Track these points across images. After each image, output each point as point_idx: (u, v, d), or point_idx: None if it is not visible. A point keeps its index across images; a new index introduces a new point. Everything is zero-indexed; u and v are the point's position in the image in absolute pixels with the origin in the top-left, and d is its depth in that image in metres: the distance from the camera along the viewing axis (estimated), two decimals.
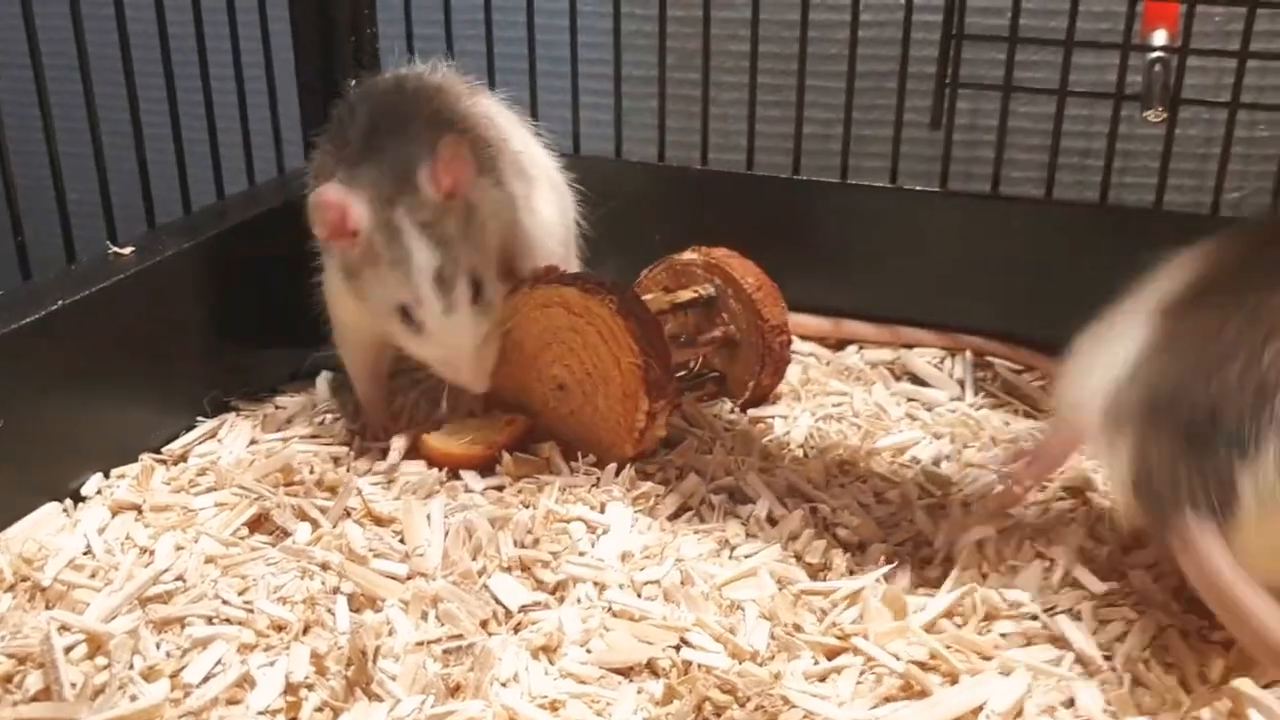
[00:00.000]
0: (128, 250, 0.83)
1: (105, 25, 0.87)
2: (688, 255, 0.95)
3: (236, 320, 0.89)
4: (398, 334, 0.79)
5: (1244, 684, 0.61)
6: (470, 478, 0.80)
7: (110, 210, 0.87)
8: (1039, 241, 0.98)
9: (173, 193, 0.94)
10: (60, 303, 0.75)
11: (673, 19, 1.06)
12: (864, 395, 0.96)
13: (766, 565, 0.72)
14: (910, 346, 1.01)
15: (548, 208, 0.91)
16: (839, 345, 1.03)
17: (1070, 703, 0.62)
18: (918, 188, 1.01)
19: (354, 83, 1.09)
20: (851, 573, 0.72)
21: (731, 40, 1.11)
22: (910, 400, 0.96)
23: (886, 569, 0.71)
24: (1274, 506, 0.59)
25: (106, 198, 0.87)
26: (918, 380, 0.99)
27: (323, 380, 0.95)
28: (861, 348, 1.03)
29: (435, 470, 0.81)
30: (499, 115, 0.90)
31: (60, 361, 0.75)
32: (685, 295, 0.91)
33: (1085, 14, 0.96)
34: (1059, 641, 0.66)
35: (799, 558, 0.74)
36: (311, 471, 0.79)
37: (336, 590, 0.68)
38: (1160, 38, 0.93)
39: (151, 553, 0.71)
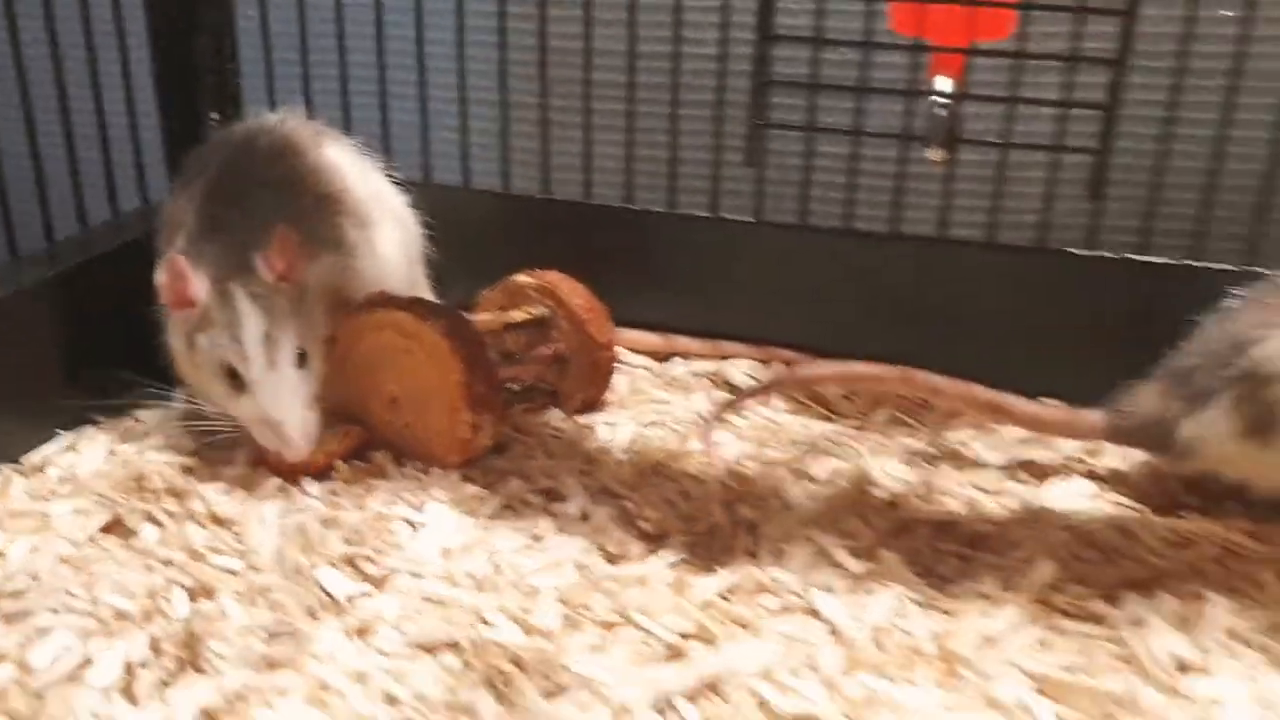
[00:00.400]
0: None
1: None
2: (522, 278, 1.04)
3: (100, 346, 0.96)
4: (225, 399, 0.86)
5: (960, 645, 0.72)
6: (308, 484, 0.88)
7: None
8: (839, 265, 1.09)
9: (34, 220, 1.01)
10: None
11: (523, 47, 1.15)
12: (685, 403, 1.06)
13: (571, 556, 0.82)
14: (728, 358, 1.12)
15: (390, 247, 1.00)
16: (666, 358, 1.13)
17: (813, 665, 0.72)
18: (735, 218, 1.12)
19: (216, 118, 1.17)
20: (645, 559, 0.82)
21: (579, 69, 1.21)
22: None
23: (678, 558, 0.81)
24: None
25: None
26: (734, 389, 1.09)
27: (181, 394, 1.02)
28: (688, 360, 1.13)
29: (276, 478, 0.89)
30: (345, 164, 0.99)
31: None
32: (518, 315, 1.01)
33: (883, 64, 1.07)
34: (814, 613, 0.76)
35: (602, 549, 0.83)
36: (162, 479, 0.87)
37: (175, 584, 0.76)
38: (943, 84, 1.05)
39: (5, 555, 0.78)
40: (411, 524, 0.84)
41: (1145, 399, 0.90)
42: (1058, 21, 1.03)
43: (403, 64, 1.17)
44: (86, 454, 0.92)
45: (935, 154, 1.04)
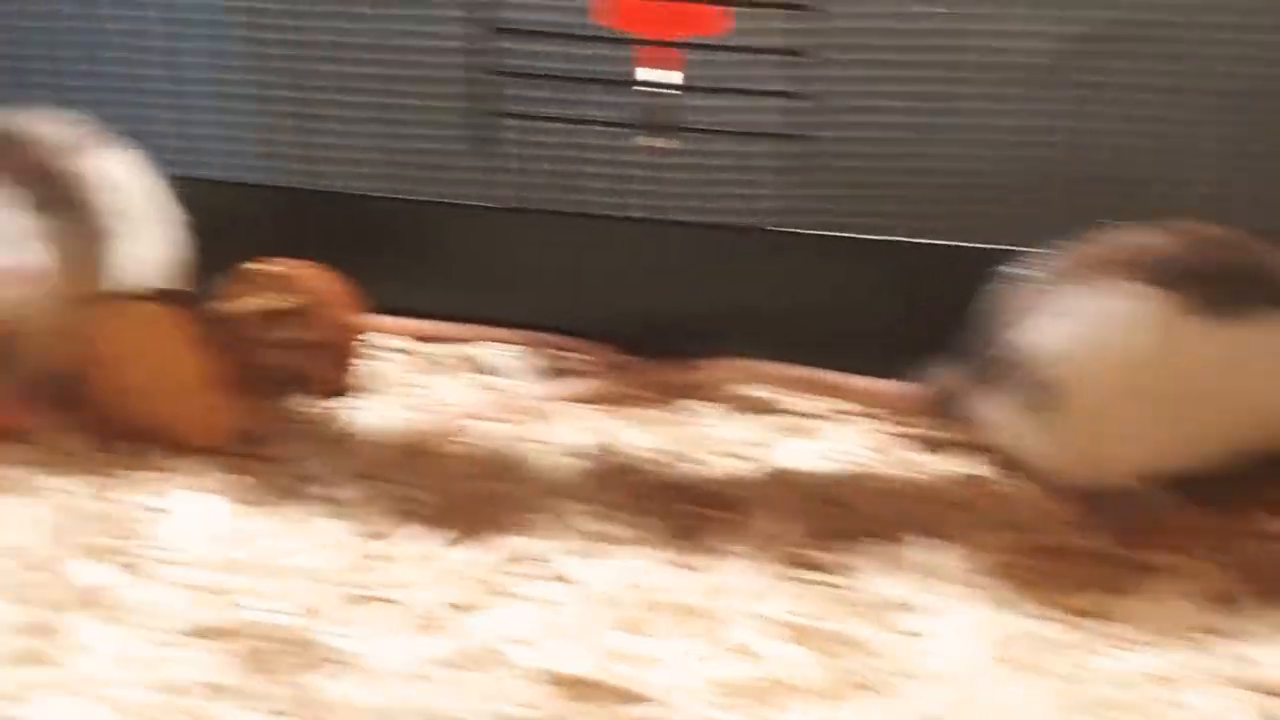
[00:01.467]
0: None
1: None
2: (257, 266, 1.04)
3: None
4: None
5: (697, 598, 0.78)
6: (47, 478, 0.87)
7: None
8: (582, 250, 1.14)
9: None
10: None
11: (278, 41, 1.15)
12: (446, 386, 1.08)
13: (330, 538, 0.83)
14: (486, 342, 1.15)
15: (145, 248, 0.99)
16: (427, 341, 1.15)
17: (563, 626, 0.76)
18: (482, 204, 1.15)
19: None
20: (399, 536, 0.85)
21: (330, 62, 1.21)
22: (488, 389, 1.09)
23: (432, 532, 0.84)
24: None
25: None
26: (495, 373, 1.12)
27: None
28: (450, 345, 1.15)
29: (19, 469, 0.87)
30: (95, 171, 0.97)
31: None
32: (264, 303, 1.01)
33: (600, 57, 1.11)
34: (561, 578, 0.81)
35: (359, 528, 0.85)
36: None
37: None
38: (649, 75, 1.09)
39: None
40: (160, 511, 0.84)
41: (942, 375, 0.95)
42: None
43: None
44: None
45: (647, 140, 1.09)
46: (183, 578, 0.78)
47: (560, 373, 1.13)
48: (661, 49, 1.04)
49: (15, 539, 0.79)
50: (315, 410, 1.02)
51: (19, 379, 0.90)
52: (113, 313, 0.91)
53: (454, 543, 0.84)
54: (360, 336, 1.04)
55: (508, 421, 1.03)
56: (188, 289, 0.99)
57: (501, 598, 0.78)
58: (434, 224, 1.15)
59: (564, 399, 1.07)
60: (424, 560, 0.81)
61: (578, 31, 1.06)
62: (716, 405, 1.07)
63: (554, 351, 1.15)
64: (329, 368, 1.03)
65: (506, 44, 1.07)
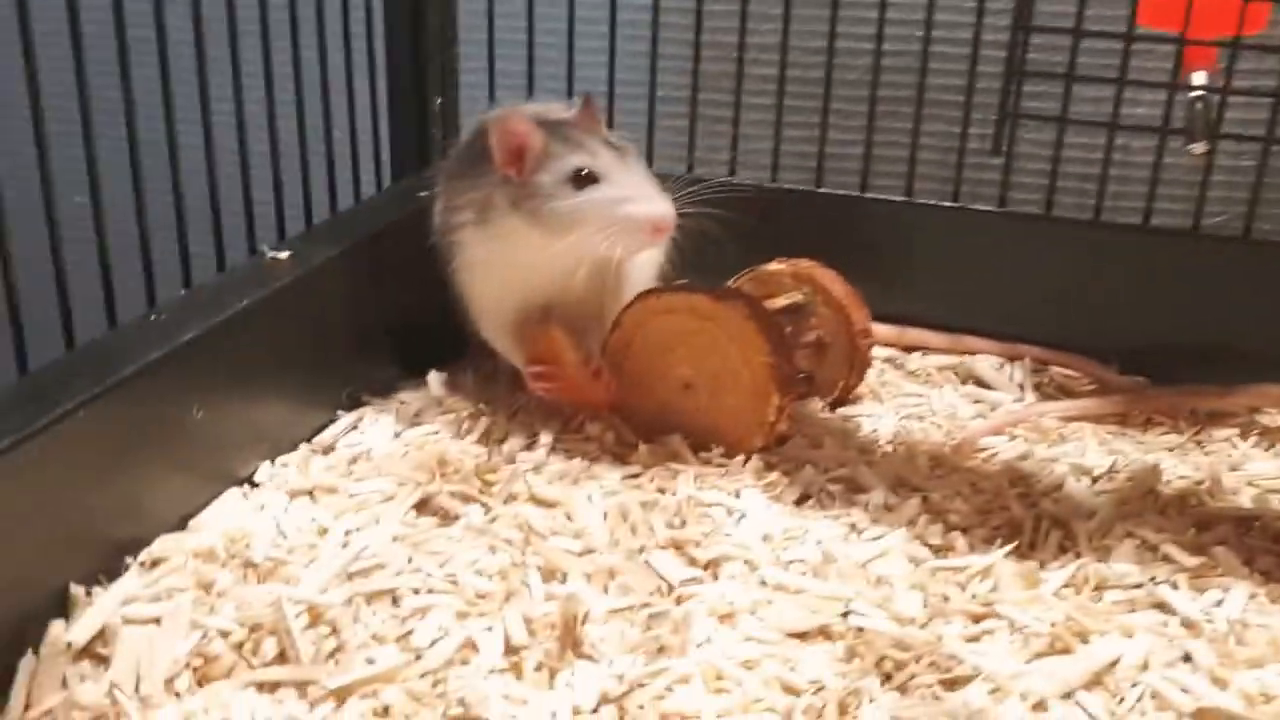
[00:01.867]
0: (284, 254, 0.88)
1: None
2: (774, 266, 1.03)
3: (375, 320, 0.95)
4: (563, 207, 0.84)
5: None
6: (606, 469, 0.87)
7: (252, 219, 0.92)
8: (1086, 259, 1.08)
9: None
10: (243, 303, 0.80)
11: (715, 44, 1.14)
12: (938, 396, 1.04)
13: (897, 546, 0.80)
14: (972, 354, 1.10)
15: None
16: (905, 351, 1.12)
17: (1187, 658, 0.70)
18: (979, 208, 1.10)
19: (439, 102, 1.16)
20: (969, 552, 0.80)
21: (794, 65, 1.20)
22: (977, 401, 1.05)
23: (1008, 548, 0.80)
24: None
25: (249, 204, 0.92)
26: (981, 383, 1.07)
27: (434, 378, 1.00)
28: (925, 354, 1.12)
29: (577, 460, 0.87)
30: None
31: (243, 357, 0.80)
32: (781, 301, 0.99)
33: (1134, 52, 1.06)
34: (1163, 607, 0.75)
35: (920, 539, 0.82)
36: (465, 460, 0.85)
37: (523, 564, 0.74)
38: (1199, 78, 1.04)
39: (340, 532, 0.77)
40: (727, 508, 0.82)
41: None
42: None
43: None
44: (372, 435, 0.90)
45: (1197, 147, 1.03)
46: (765, 577, 0.76)
47: (1058, 389, 1.07)
48: (1202, 49, 0.97)
49: (598, 530, 0.78)
50: (825, 414, 0.99)
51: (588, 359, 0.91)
52: (659, 306, 0.90)
53: (1031, 562, 0.79)
54: (869, 338, 1.01)
55: (1020, 438, 0.98)
56: (732, 286, 0.98)
57: (1105, 624, 0.73)
58: (915, 226, 1.11)
59: (1072, 417, 1.01)
60: (1015, 577, 0.76)
61: (1112, 29, 1.00)
62: (1247, 433, 0.99)
63: (1043, 365, 1.09)
64: (837, 370, 1.00)
65: (1034, 41, 1.02)
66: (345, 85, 1.05)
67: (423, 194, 1.05)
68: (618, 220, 0.84)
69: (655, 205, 0.84)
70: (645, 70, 1.16)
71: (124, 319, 0.78)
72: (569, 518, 0.79)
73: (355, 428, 0.92)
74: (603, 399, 0.91)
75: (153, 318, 0.77)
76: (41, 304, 0.74)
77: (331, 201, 1.03)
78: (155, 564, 0.71)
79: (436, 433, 0.91)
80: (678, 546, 0.78)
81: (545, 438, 0.90)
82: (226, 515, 0.77)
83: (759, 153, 1.19)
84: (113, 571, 0.70)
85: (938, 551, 0.81)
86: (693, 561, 0.77)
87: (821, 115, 1.13)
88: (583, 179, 0.85)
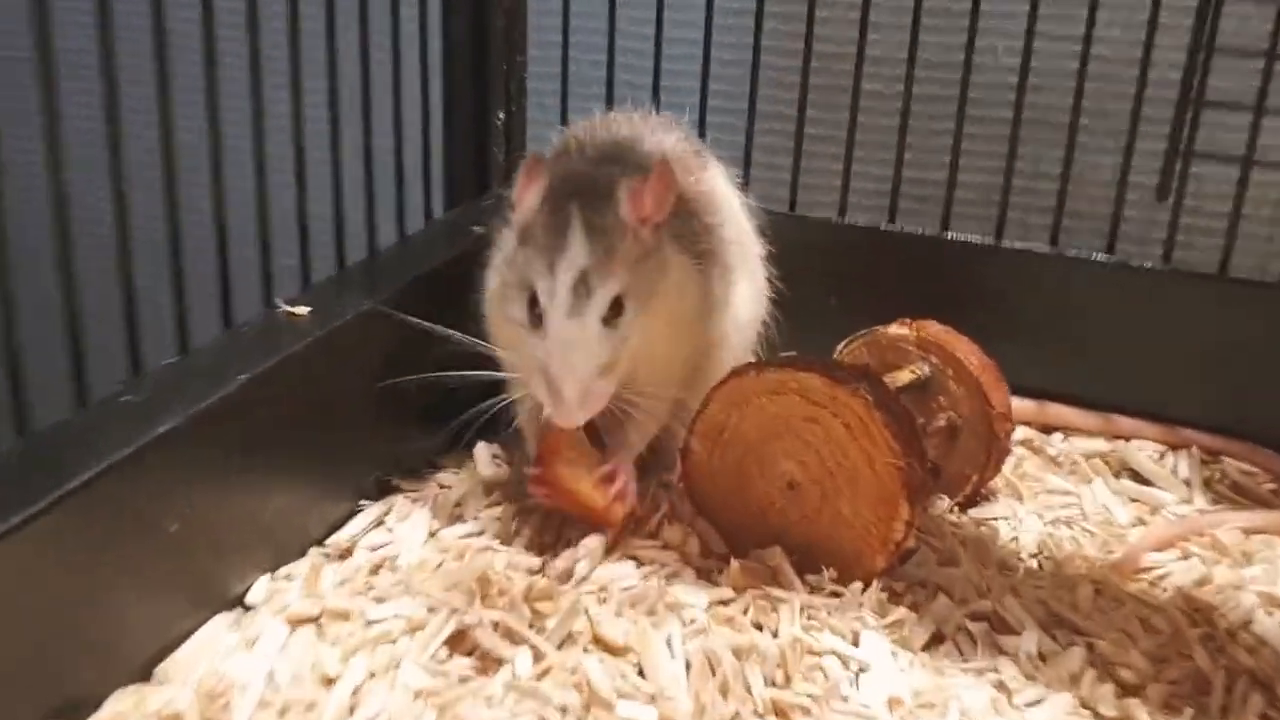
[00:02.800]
0: (302, 309, 0.72)
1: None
2: (895, 329, 0.85)
3: (413, 384, 0.78)
4: (515, 327, 0.69)
5: None
6: (690, 591, 0.69)
7: (269, 265, 0.75)
8: (1269, 329, 0.89)
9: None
10: (242, 379, 0.64)
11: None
12: (1088, 494, 0.86)
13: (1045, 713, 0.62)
14: (1126, 439, 0.92)
15: (741, 308, 0.82)
16: (1044, 431, 0.94)
17: None
18: (1139, 264, 0.91)
19: (501, 117, 0.99)
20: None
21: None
22: (1134, 500, 0.86)
23: None
24: None
25: (265, 242, 0.75)
26: (1139, 478, 0.89)
27: (482, 452, 0.84)
28: (1067, 436, 0.93)
29: (648, 579, 0.70)
30: (721, 194, 0.81)
31: (237, 447, 0.64)
32: (905, 376, 0.81)
33: None
34: None
35: (1088, 708, 0.64)
36: (510, 580, 0.68)
37: None
38: None
39: (348, 685, 0.60)
40: (843, 659, 0.65)
41: None
42: None
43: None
44: (401, 535, 0.74)
45: None
46: None
47: (1233, 488, 0.88)
48: None
49: (679, 691, 0.61)
50: (955, 517, 0.81)
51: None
52: (761, 385, 0.72)
53: None
54: (1010, 422, 0.82)
55: (1194, 555, 0.79)
56: (844, 361, 0.80)
57: None
58: (1060, 282, 0.93)
59: (1257, 529, 0.82)
60: None
61: None
62: None
63: (1213, 457, 0.91)
64: (970, 460, 0.82)
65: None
66: (391, 93, 0.88)
67: (478, 228, 0.88)
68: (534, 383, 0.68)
69: (557, 396, 0.67)
70: (741, 81, 0.98)
71: (103, 389, 0.63)
72: (641, 673, 0.62)
73: (381, 523, 0.75)
74: (612, 518, 0.73)
75: (126, 398, 0.61)
76: None
77: (369, 238, 0.87)
78: None
79: (480, 533, 0.74)
80: (781, 713, 0.61)
81: (601, 540, 0.73)
82: (206, 655, 0.61)
83: (866, 192, 1.02)
84: None
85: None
86: None
87: (953, 143, 0.94)
88: (535, 306, 0.68)
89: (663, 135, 0.80)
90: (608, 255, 0.67)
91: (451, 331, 0.72)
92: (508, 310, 0.70)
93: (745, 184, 0.92)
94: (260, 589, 0.67)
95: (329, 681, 0.60)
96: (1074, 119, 0.91)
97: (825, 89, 1.04)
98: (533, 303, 0.68)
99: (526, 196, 0.70)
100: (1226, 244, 0.90)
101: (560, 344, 0.66)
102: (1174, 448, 0.91)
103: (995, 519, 0.82)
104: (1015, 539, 0.80)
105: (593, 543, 0.72)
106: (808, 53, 0.95)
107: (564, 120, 0.99)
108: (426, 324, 0.72)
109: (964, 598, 0.71)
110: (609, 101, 0.99)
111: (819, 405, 0.70)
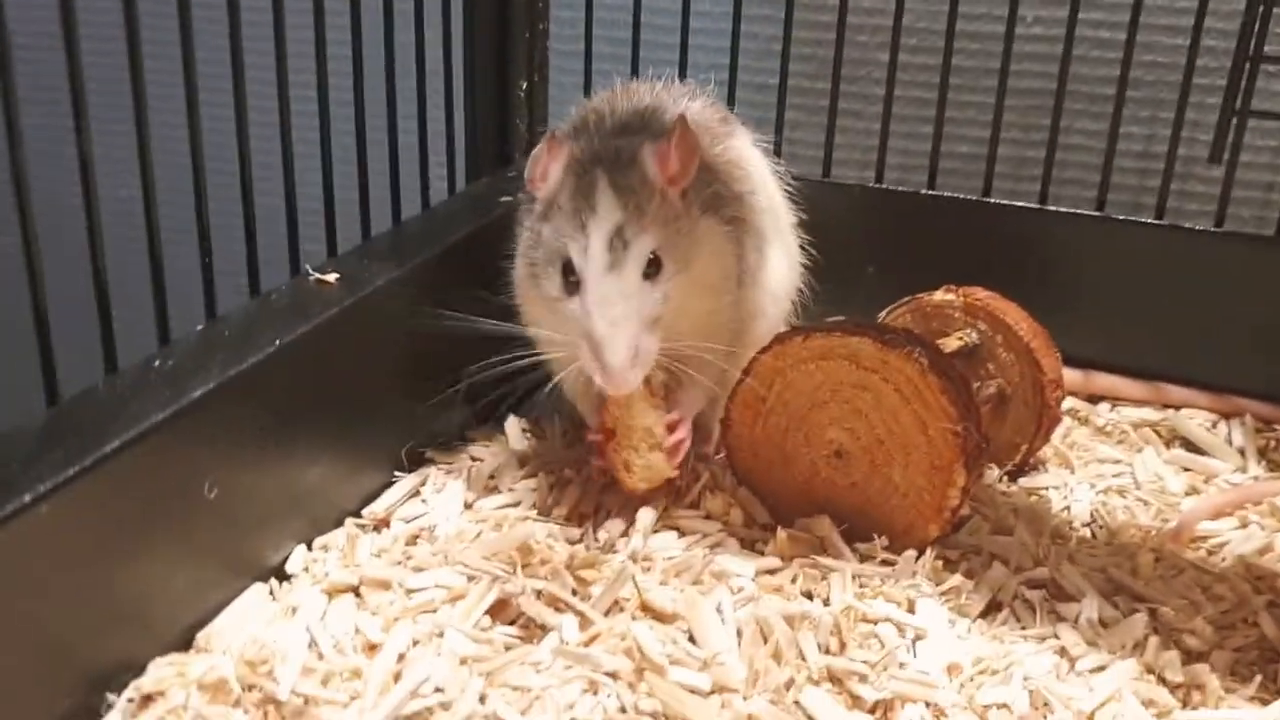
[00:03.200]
0: (331, 276, 0.70)
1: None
2: (940, 295, 0.83)
3: (434, 356, 0.76)
4: (552, 301, 0.67)
5: None
6: (736, 561, 0.67)
7: (296, 238, 0.74)
8: None
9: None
10: (276, 344, 0.62)
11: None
12: (1140, 463, 0.83)
13: (1125, 685, 0.60)
14: (1176, 407, 0.89)
15: (776, 278, 0.79)
16: (1090, 401, 0.91)
17: None
18: (1191, 226, 0.89)
19: (524, 86, 0.97)
20: (1229, 693, 0.60)
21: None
22: (1187, 470, 0.84)
23: (1253, 692, 0.59)
24: None
25: (292, 211, 0.74)
26: (1191, 447, 0.86)
27: (513, 425, 0.82)
28: (1114, 405, 0.91)
29: (691, 549, 0.68)
30: (750, 161, 0.79)
31: (275, 412, 0.62)
32: (953, 343, 0.79)
33: None
34: None
35: (1153, 673, 0.62)
36: (552, 549, 0.66)
37: (634, 710, 0.55)
38: None
39: (392, 653, 0.58)
40: (899, 627, 0.62)
41: None
42: None
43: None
44: (437, 506, 0.72)
45: None
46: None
47: None
48: None
49: (732, 658, 0.59)
50: (1005, 486, 0.79)
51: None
52: (808, 351, 0.70)
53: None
54: (1061, 389, 0.80)
55: (1254, 523, 0.77)
56: (894, 325, 0.78)
57: None
58: (1108, 247, 0.90)
59: None
60: None
61: None
62: None
63: (1268, 425, 0.88)
64: (1024, 430, 0.79)
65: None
66: (414, 65, 0.86)
67: (504, 199, 0.86)
68: (580, 354, 0.65)
69: (604, 361, 0.64)
70: (770, 42, 0.96)
71: (130, 360, 0.61)
72: (692, 639, 0.60)
73: (417, 494, 0.73)
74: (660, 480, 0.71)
75: (157, 364, 0.59)
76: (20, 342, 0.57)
77: (394, 208, 0.85)
78: (147, 702, 0.53)
79: (517, 504, 0.73)
80: (836, 680, 0.59)
81: (654, 514, 0.71)
82: (246, 624, 0.59)
83: (894, 165, 0.99)
84: (90, 712, 0.53)
85: (1178, 691, 0.60)
86: (856, 702, 0.58)
87: (995, 110, 0.92)
88: (570, 274, 0.66)
89: (687, 103, 0.78)
90: (639, 212, 0.65)
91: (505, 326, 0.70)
92: (542, 288, 0.68)
93: (777, 152, 0.89)
94: (298, 559, 0.65)
95: (372, 649, 0.59)
96: (1122, 81, 0.89)
97: (858, 62, 1.02)
98: (567, 271, 0.66)
99: (550, 172, 0.68)
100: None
101: (601, 300, 0.64)
102: (1226, 416, 0.89)
103: (1046, 488, 0.80)
104: (1068, 508, 0.78)
105: (646, 518, 0.70)
106: (841, 21, 0.93)
107: (587, 91, 0.97)
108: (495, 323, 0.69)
109: (1020, 565, 0.69)
110: (633, 71, 0.96)
111: (869, 370, 0.68)
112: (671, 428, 0.70)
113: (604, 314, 0.64)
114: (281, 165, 0.73)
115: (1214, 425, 0.88)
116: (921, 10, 1.03)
